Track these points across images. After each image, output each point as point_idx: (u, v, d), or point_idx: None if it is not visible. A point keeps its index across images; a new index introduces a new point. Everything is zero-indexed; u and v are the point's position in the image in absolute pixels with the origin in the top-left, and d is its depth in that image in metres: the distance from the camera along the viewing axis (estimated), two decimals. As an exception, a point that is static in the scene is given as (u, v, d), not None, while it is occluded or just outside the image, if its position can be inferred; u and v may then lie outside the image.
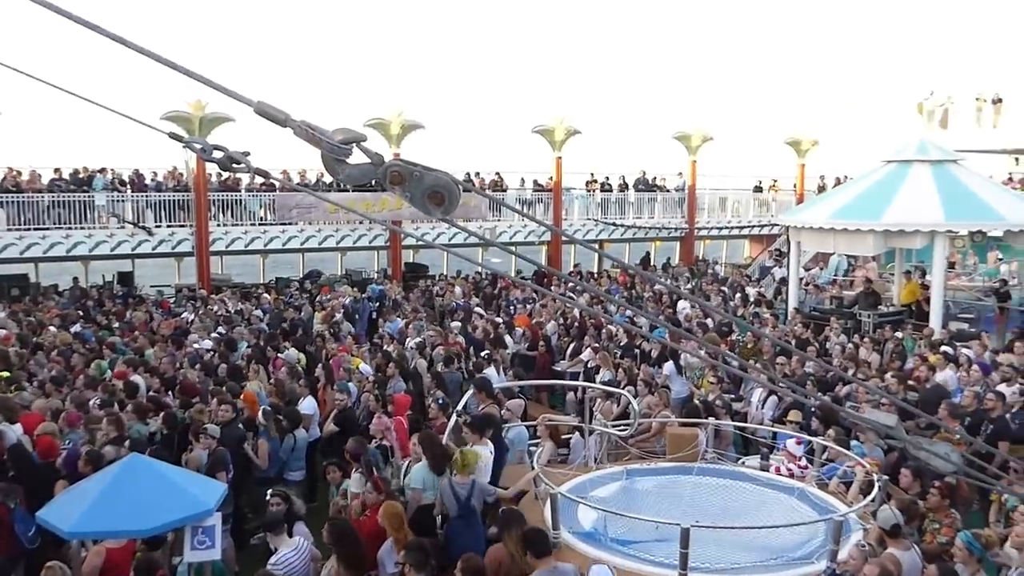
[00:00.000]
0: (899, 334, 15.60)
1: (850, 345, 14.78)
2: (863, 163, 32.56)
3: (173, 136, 2.51)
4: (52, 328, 15.88)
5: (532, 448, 9.35)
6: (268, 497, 7.44)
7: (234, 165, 2.20)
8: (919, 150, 17.89)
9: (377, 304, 19.88)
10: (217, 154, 2.20)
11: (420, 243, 26.80)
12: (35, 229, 21.40)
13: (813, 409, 11.00)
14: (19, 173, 22.10)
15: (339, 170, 1.98)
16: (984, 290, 22.23)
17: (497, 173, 28.10)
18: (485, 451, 8.11)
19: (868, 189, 17.80)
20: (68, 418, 9.86)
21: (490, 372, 11.95)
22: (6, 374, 12.13)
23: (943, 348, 13.64)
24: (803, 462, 8.84)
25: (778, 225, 25.53)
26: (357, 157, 2.02)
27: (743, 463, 9.50)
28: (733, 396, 12.50)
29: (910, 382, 11.73)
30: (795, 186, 33.10)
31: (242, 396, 10.38)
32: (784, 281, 22.25)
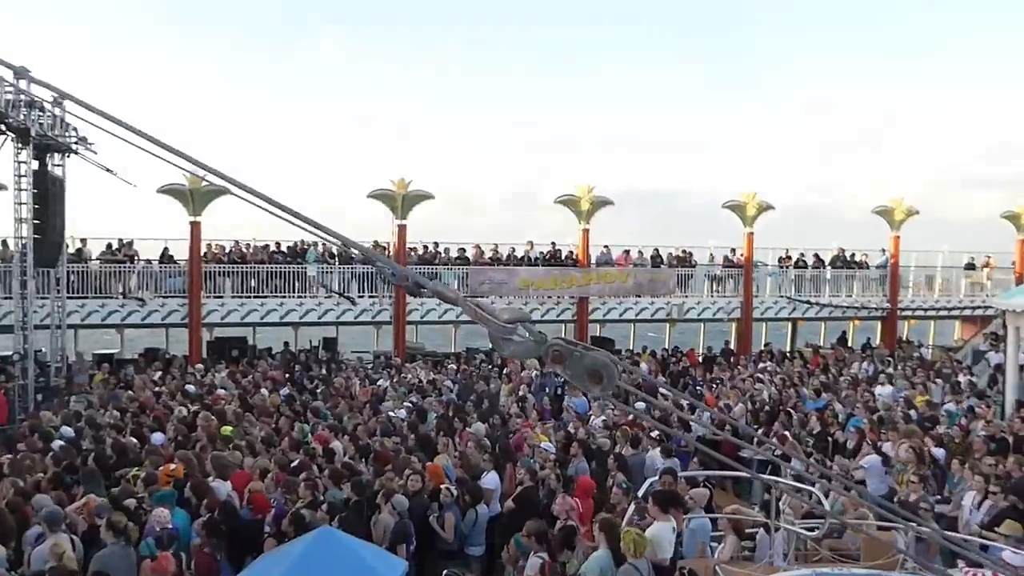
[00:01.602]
0: None
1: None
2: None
3: (367, 261, 2.72)
4: (264, 391, 17.16)
5: (713, 544, 9.02)
6: (444, 574, 7.61)
7: (420, 290, 2.37)
8: None
9: (563, 380, 20.05)
10: (403, 281, 2.38)
11: (606, 318, 26.87)
12: (255, 297, 23.43)
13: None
14: (247, 245, 24.35)
15: (504, 347, 2.10)
16: None
17: (683, 250, 27.84)
18: (668, 528, 7.96)
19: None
20: (276, 478, 10.55)
21: (654, 455, 11.71)
22: (229, 429, 13.25)
23: None
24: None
25: (993, 307, 23.55)
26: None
27: None
28: (939, 497, 11.52)
29: None
30: (1014, 263, 30.54)
31: (429, 468, 10.72)
32: (1000, 368, 20.40)
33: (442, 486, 10.06)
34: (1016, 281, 28.65)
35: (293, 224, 2.42)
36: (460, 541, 9.89)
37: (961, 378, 20.70)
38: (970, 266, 30.78)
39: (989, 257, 31.01)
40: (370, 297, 24.40)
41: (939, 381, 20.15)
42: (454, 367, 21.36)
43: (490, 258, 25.90)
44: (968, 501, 10.80)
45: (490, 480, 10.95)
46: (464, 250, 25.91)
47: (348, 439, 12.83)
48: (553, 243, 26.72)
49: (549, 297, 25.61)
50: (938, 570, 8.47)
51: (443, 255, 25.71)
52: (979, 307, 29.21)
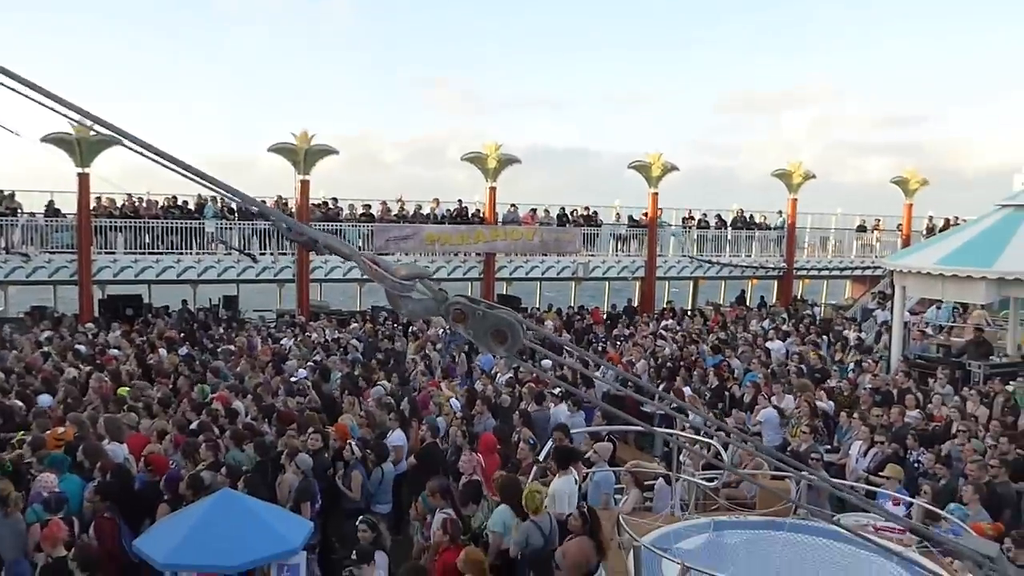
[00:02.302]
0: (1010, 387, 14.80)
1: (956, 397, 14.10)
2: (977, 206, 31.21)
3: (261, 215, 2.61)
4: (161, 350, 16.60)
5: (617, 496, 9.23)
6: (358, 523, 7.58)
7: (316, 244, 2.27)
8: (1036, 195, 17.08)
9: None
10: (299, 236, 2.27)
11: (513, 276, 26.97)
12: (150, 253, 22.52)
13: (916, 464, 10.57)
14: (140, 200, 23.31)
15: (402, 305, 2.01)
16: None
17: (586, 208, 28.06)
18: (568, 482, 8.12)
19: (981, 234, 17.06)
20: (175, 440, 10.25)
21: (560, 409, 11.87)
22: (124, 390, 12.78)
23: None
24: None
25: (881, 267, 24.69)
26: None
27: (839, 520, 9.13)
28: (829, 447, 12.08)
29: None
30: (901, 226, 32.01)
31: (334, 427, 10.59)
32: (887, 325, 21.43)
33: (347, 445, 9.97)
34: (903, 243, 30.04)
35: (185, 177, 2.27)
36: (367, 499, 9.85)
37: (850, 334, 21.67)
38: (861, 228, 32.10)
39: (879, 220, 32.40)
40: (272, 254, 23.79)
41: (825, 337, 21.06)
42: (359, 325, 21.10)
43: (396, 215, 25.56)
44: (855, 450, 11.36)
45: (396, 438, 10.92)
46: (369, 207, 25.48)
47: (251, 399, 12.56)
48: (460, 200, 26.57)
49: (456, 254, 25.50)
50: (826, 514, 8.89)
51: (348, 212, 25.24)
52: (869, 267, 30.55)
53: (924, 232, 31.09)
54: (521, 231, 26.15)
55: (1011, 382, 15.21)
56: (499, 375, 15.23)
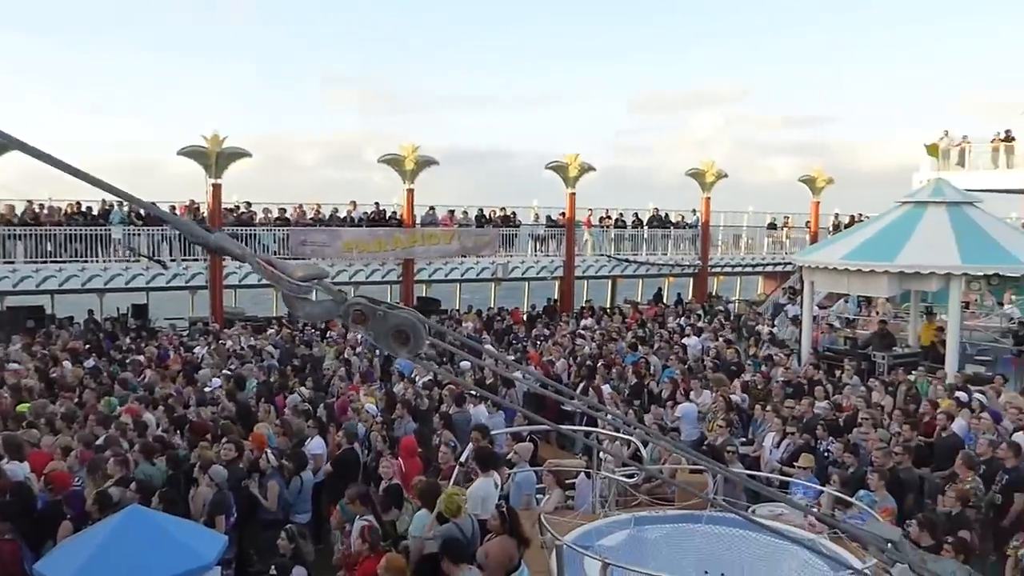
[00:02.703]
0: (912, 376, 15.42)
1: (863, 388, 14.62)
2: (879, 203, 32.43)
3: (157, 219, 2.50)
4: (66, 363, 15.95)
5: (539, 496, 9.26)
6: (283, 533, 7.43)
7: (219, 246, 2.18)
8: (935, 192, 17.83)
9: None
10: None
11: (432, 278, 26.84)
12: (52, 262, 21.60)
13: (826, 453, 10.91)
14: (41, 207, 22.35)
15: (299, 307, 1.95)
16: (1002, 331, 22.00)
17: (502, 209, 28.13)
18: (487, 485, 8.10)
19: (883, 230, 17.72)
20: (80, 456, 9.84)
21: (479, 410, 11.86)
22: (25, 406, 12.21)
23: (957, 393, 13.47)
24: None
25: (791, 263, 25.46)
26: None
27: (754, 511, 9.35)
28: (744, 440, 12.37)
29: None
30: (809, 223, 33.07)
31: (250, 437, 10.33)
32: (797, 319, 22.10)
33: (263, 454, 9.75)
34: (811, 239, 31.03)
35: (80, 179, 2.14)
36: (285, 509, 9.64)
37: (762, 328, 22.27)
38: (772, 226, 33.05)
39: (788, 217, 33.42)
40: (183, 260, 23.10)
41: (732, 333, 21.60)
42: (275, 331, 20.67)
43: (312, 219, 25.16)
44: (769, 441, 11.66)
45: (315, 445, 10.73)
46: (284, 210, 25.00)
47: (162, 410, 12.17)
48: (377, 203, 26.30)
49: (374, 259, 25.23)
50: (741, 505, 9.10)
51: (262, 216, 24.71)
52: (779, 264, 31.45)
53: (831, 229, 32.17)
54: (439, 234, 26.05)
55: (913, 371, 15.85)
56: (419, 377, 15.12)
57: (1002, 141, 29.75)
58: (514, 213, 28.31)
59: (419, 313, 2.01)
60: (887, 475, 9.31)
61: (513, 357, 17.44)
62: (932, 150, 27.58)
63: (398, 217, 25.93)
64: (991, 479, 9.52)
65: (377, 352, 17.18)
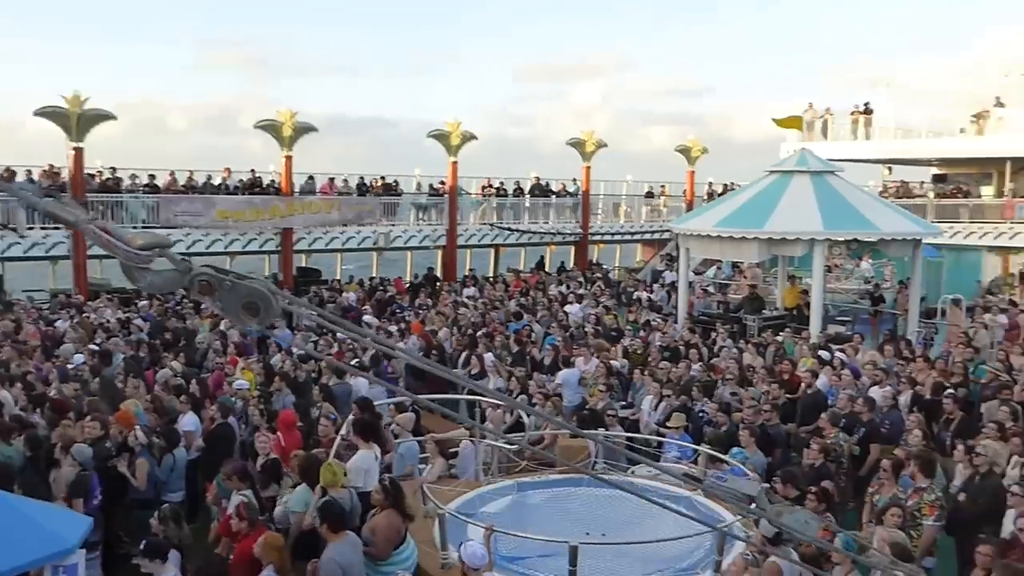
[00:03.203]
0: (780, 338, 16.12)
1: (735, 349, 15.18)
2: (750, 172, 33.67)
3: None
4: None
5: (423, 466, 9.21)
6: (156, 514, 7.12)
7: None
8: (799, 162, 18.60)
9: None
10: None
11: (312, 248, 26.20)
12: None
13: (701, 414, 11.28)
14: None
15: (139, 278, 1.80)
16: (860, 293, 23.31)
17: (382, 178, 27.68)
18: (368, 457, 7.98)
19: (752, 198, 18.38)
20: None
21: (361, 382, 11.67)
22: None
23: (820, 352, 14.16)
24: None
25: (668, 231, 26.13)
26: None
27: (632, 472, 9.59)
28: (624, 403, 12.65)
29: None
30: (685, 192, 34.00)
31: (116, 414, 9.81)
32: (674, 285, 22.74)
33: (132, 431, 9.28)
34: (687, 207, 31.93)
35: None
36: (156, 489, 9.23)
37: (641, 295, 22.82)
38: (649, 194, 33.80)
39: (664, 186, 34.26)
40: (43, 228, 21.65)
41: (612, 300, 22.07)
42: (146, 304, 19.70)
43: (184, 186, 24.03)
44: (647, 404, 11.96)
45: (188, 422, 10.30)
46: (154, 177, 23.77)
47: (20, 388, 11.41)
48: (253, 171, 25.38)
49: (251, 228, 24.37)
50: (620, 467, 9.32)
51: (129, 183, 23.43)
52: (657, 231, 32.21)
53: (705, 197, 33.15)
54: (319, 203, 25.39)
55: (781, 333, 16.58)
56: (296, 349, 14.76)
57: (861, 113, 31.32)
58: (396, 182, 27.89)
59: (270, 283, 1.89)
60: (755, 431, 9.70)
61: (396, 327, 17.23)
62: (787, 122, 28.59)
63: (276, 185, 25.10)
64: (850, 432, 10.06)
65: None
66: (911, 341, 16.16)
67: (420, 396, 10.62)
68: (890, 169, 34.84)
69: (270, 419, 10.04)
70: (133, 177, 23.57)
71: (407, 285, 25.37)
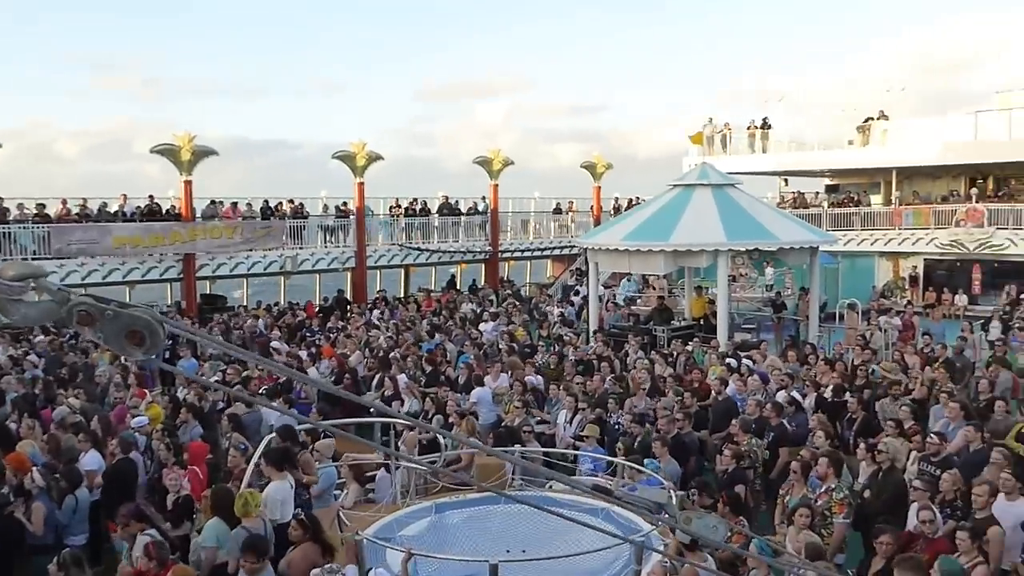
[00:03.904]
0: (689, 347, 16.49)
1: (646, 360, 15.44)
2: (654, 186, 34.50)
3: None
4: None
5: (339, 492, 9.05)
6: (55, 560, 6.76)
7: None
8: (701, 175, 19.13)
9: (170, 342, 18.65)
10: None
11: (216, 274, 25.53)
12: None
13: (616, 425, 11.42)
14: None
15: (12, 311, 1.72)
16: (763, 301, 24.08)
17: (290, 201, 27.27)
18: (283, 487, 7.80)
19: (657, 212, 18.80)
20: None
21: (270, 411, 11.41)
22: None
23: (728, 360, 14.55)
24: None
25: (577, 246, 26.49)
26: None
27: (550, 487, 9.64)
28: (539, 418, 12.71)
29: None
30: (592, 207, 34.54)
31: (8, 457, 9.30)
32: (585, 300, 23.03)
33: (28, 474, 8.82)
34: (594, 222, 32.43)
35: None
36: (57, 532, 8.79)
37: (553, 310, 23.03)
38: (557, 210, 34.21)
39: (572, 202, 34.75)
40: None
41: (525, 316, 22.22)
42: (43, 339, 18.79)
43: (77, 214, 23.10)
44: (562, 418, 12.05)
45: (89, 461, 9.84)
46: (44, 205, 22.76)
47: None
48: (151, 196, 24.60)
49: (150, 255, 23.60)
50: (538, 483, 9.36)
51: (17, 212, 22.37)
52: (566, 247, 32.59)
53: (612, 212, 33.74)
54: (221, 228, 24.77)
55: (690, 343, 16.97)
56: (208, 378, 14.33)
57: (758, 128, 32.49)
58: (302, 204, 27.47)
59: (155, 312, 1.83)
60: (668, 441, 9.87)
61: (306, 352, 16.92)
62: (696, 139, 29.60)
63: (176, 211, 24.38)
64: (760, 436, 10.35)
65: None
66: (814, 345, 16.75)
67: (331, 421, 10.47)
68: (786, 181, 36.23)
69: (177, 453, 9.70)
70: (20, 207, 22.52)
71: (317, 309, 24.97)
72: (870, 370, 13.53)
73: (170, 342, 18.57)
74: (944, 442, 9.13)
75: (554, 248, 33.33)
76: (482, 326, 19.98)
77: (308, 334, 20.17)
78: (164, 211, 24.33)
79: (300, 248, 26.64)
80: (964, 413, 10.23)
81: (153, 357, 1.87)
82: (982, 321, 19.58)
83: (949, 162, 28.35)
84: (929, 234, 27.89)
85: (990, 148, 27.07)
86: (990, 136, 27.17)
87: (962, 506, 7.81)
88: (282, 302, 26.28)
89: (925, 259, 28.39)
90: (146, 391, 13.33)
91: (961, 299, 26.30)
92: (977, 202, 27.68)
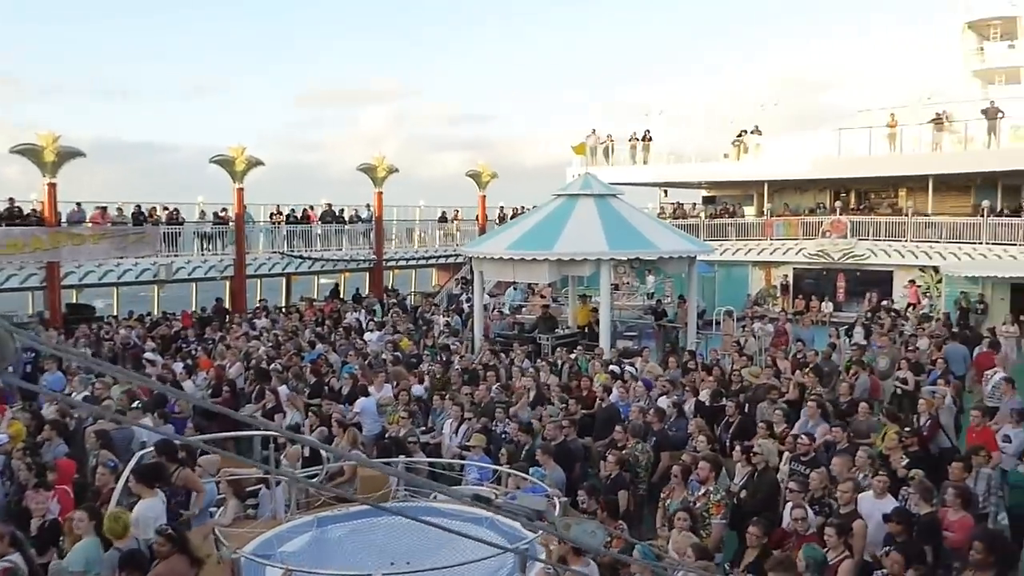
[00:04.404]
0: (573, 355, 16.75)
1: (532, 368, 15.57)
2: (539, 195, 34.96)
3: None
4: None
5: (214, 509, 8.73)
6: None
7: None
8: (584, 185, 19.52)
9: (33, 355, 17.57)
10: None
11: (84, 283, 24.26)
12: None
13: (503, 435, 11.47)
14: None
15: None
16: (645, 308, 24.74)
17: (165, 207, 26.26)
18: (155, 504, 7.47)
19: (541, 221, 19.05)
20: None
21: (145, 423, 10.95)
22: None
23: (611, 367, 14.84)
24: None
25: (462, 255, 26.54)
26: None
27: (435, 497, 9.57)
28: (424, 428, 12.63)
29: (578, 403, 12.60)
30: (477, 216, 34.70)
31: None
32: (471, 308, 23.08)
33: None
34: (479, 231, 32.57)
35: None
36: None
37: (439, 319, 22.97)
38: (443, 219, 34.23)
39: (458, 211, 34.83)
40: None
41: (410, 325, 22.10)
42: None
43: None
44: (448, 428, 12.01)
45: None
46: None
47: None
48: (11, 199, 23.17)
49: (9, 263, 22.19)
50: (423, 494, 9.28)
51: None
52: (451, 255, 32.61)
53: (497, 220, 34.00)
54: (88, 235, 23.57)
55: (574, 351, 17.24)
56: (74, 393, 13.56)
57: (639, 140, 33.39)
58: (177, 210, 26.46)
59: (4, 322, 1.71)
60: (552, 448, 9.98)
61: (182, 364, 16.27)
62: (579, 149, 30.18)
63: (38, 215, 23.04)
64: (644, 441, 10.59)
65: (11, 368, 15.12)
66: (693, 352, 17.29)
67: (207, 436, 10.13)
68: (666, 192, 37.37)
69: (39, 473, 9.13)
70: None
71: (194, 319, 24.08)
72: (744, 376, 14.08)
73: (32, 355, 17.53)
74: (813, 442, 9.61)
75: (439, 257, 33.29)
76: (367, 336, 19.73)
77: (184, 345, 19.42)
78: (25, 215, 22.97)
79: (175, 255, 25.65)
80: (821, 411, 10.87)
81: (10, 370, 1.74)
82: (846, 327, 20.69)
83: (816, 176, 29.94)
84: (798, 244, 29.34)
85: (852, 163, 28.74)
86: (852, 152, 28.84)
87: (830, 502, 8.24)
88: (155, 312, 25.21)
89: (795, 268, 29.82)
90: (6, 406, 12.51)
91: (827, 306, 27.76)
92: (841, 214, 29.29)
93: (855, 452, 9.14)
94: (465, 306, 25.35)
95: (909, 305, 25.24)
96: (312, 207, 30.03)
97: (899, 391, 13.71)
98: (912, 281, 26.57)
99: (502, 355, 17.13)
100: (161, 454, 8.74)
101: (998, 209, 26.86)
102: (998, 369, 14.20)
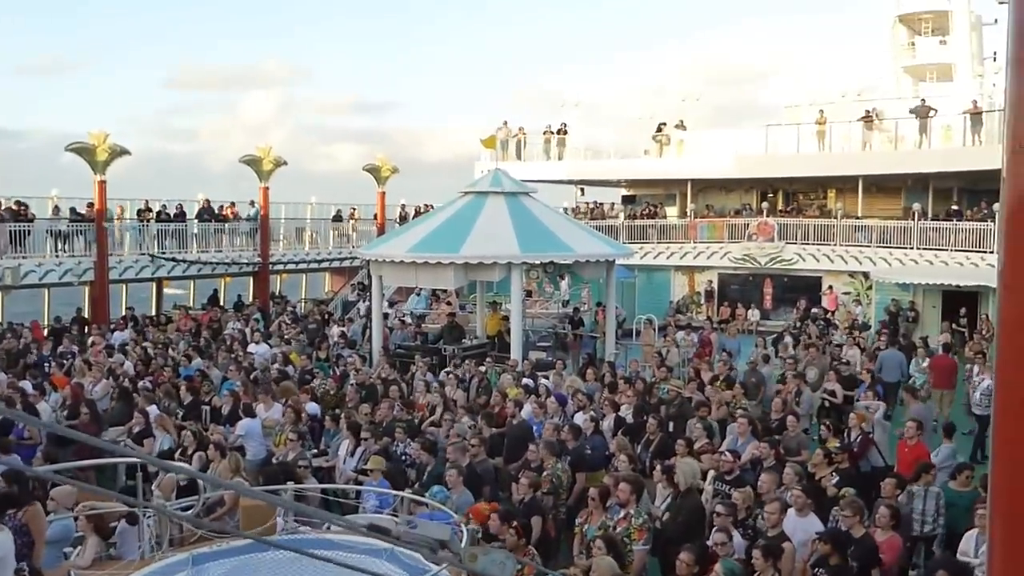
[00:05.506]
0: (483, 368, 16.77)
1: (436, 383, 15.51)
2: (445, 193, 34.91)
3: None
4: None
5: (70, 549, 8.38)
6: None
7: None
8: (494, 182, 19.59)
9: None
10: None
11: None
12: None
13: (403, 456, 11.39)
14: None
15: None
16: (560, 316, 24.98)
17: (13, 201, 25.17)
18: (4, 539, 7.14)
19: (447, 221, 19.04)
20: None
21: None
22: None
23: (524, 380, 14.93)
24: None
25: (359, 258, 26.28)
26: None
27: (328, 528, 9.42)
28: (317, 451, 12.45)
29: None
30: (376, 215, 34.40)
31: None
32: (369, 317, 22.87)
33: None
34: (378, 231, 32.31)
35: None
36: None
37: (333, 330, 22.68)
38: (337, 218, 33.82)
39: (354, 209, 34.47)
40: None
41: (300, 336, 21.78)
42: None
43: None
44: (343, 450, 11.86)
45: None
46: None
47: None
48: None
49: None
50: (316, 522, 9.13)
51: None
52: (347, 258, 32.25)
53: (398, 220, 33.79)
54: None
55: (483, 363, 17.26)
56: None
57: (554, 134, 33.73)
58: (26, 206, 25.33)
59: None
60: (463, 470, 9.96)
61: (32, 382, 15.59)
62: (489, 143, 30.37)
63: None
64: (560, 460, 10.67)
65: None
66: (612, 364, 17.53)
67: (60, 465, 9.77)
68: (583, 190, 37.86)
69: None
70: None
71: (47, 330, 23.13)
72: (661, 388, 14.35)
73: None
74: (737, 459, 9.85)
75: (333, 260, 32.85)
76: (251, 348, 19.32)
77: (36, 360, 18.62)
78: None
79: (24, 258, 24.53)
80: (751, 428, 11.14)
81: None
82: (773, 336, 21.33)
83: (742, 175, 30.82)
84: (723, 248, 30.13)
85: (780, 162, 29.70)
86: (780, 150, 29.80)
87: (754, 524, 8.44)
88: (1, 322, 24.10)
89: (719, 273, 30.60)
90: None
91: (754, 314, 28.56)
92: (768, 216, 30.20)
93: (783, 469, 9.40)
94: (361, 314, 25.11)
95: (825, 312, 26.11)
96: (186, 203, 29.24)
97: (827, 403, 14.19)
98: (831, 287, 27.60)
99: (403, 368, 17.04)
100: (9, 483, 8.38)
101: (929, 213, 28.03)
102: (984, 376, 14.10)
